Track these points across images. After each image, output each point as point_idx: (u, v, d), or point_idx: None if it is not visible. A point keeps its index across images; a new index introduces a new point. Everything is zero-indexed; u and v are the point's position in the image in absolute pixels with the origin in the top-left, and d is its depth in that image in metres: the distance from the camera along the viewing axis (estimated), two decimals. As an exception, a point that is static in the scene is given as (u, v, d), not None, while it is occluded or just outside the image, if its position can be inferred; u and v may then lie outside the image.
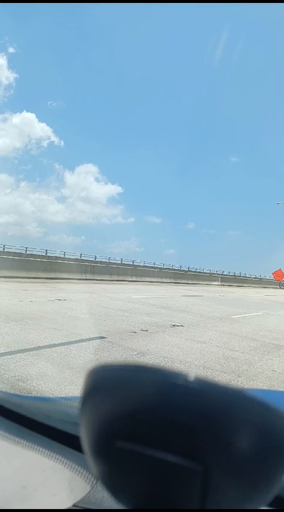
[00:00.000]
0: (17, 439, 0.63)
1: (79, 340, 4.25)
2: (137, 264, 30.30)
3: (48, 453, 0.60)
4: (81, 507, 0.49)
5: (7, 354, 3.42)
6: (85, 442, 0.32)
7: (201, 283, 25.43)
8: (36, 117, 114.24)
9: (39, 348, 3.75)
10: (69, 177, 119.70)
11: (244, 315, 8.63)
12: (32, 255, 21.32)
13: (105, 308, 7.17)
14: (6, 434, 0.64)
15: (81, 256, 27.56)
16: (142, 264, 30.58)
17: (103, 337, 4.50)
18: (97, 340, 4.36)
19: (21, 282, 11.58)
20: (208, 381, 0.29)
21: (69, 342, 4.12)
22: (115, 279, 17.68)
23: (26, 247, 23.90)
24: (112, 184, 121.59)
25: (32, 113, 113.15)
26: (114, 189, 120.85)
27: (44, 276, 13.72)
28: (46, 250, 24.74)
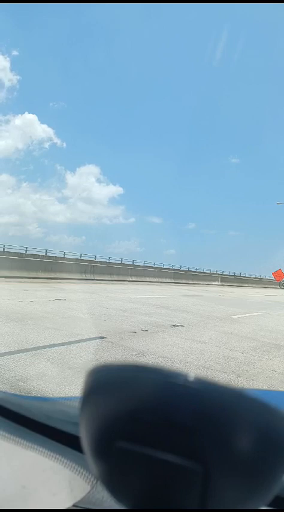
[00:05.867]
0: (17, 439, 0.63)
1: (79, 340, 4.26)
2: (137, 264, 30.29)
3: (48, 453, 0.60)
4: (81, 507, 0.49)
5: (7, 354, 3.42)
6: (85, 442, 0.32)
7: (201, 283, 25.42)
8: (38, 118, 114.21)
9: (39, 347, 3.75)
10: (71, 178, 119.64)
11: (244, 315, 8.63)
12: (32, 255, 21.30)
13: (105, 308, 7.17)
14: (6, 434, 0.64)
15: (81, 256, 27.57)
16: (142, 264, 30.57)
17: (103, 337, 4.50)
18: (98, 340, 4.36)
19: (21, 282, 11.58)
20: (208, 381, 0.29)
21: (69, 342, 4.12)
22: (115, 279, 17.68)
23: (26, 247, 23.89)
24: (114, 185, 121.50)
25: (33, 114, 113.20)
26: (115, 190, 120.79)
27: (44, 276, 13.72)
28: (46, 250, 24.75)
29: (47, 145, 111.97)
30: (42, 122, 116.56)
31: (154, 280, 20.84)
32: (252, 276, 44.60)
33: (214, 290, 19.51)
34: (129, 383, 0.30)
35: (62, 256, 25.69)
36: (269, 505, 0.35)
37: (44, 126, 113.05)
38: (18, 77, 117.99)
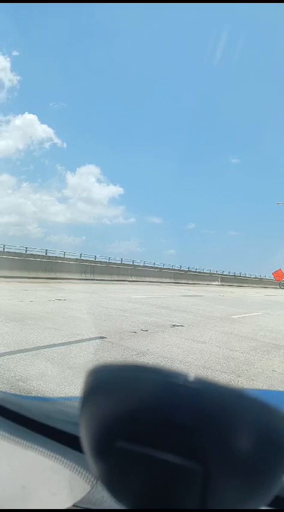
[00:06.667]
0: (17, 439, 0.63)
1: (79, 340, 4.26)
2: (137, 264, 30.28)
3: (48, 453, 0.60)
4: (81, 507, 0.49)
5: (7, 354, 3.42)
6: (85, 442, 0.32)
7: (201, 283, 25.42)
8: (38, 118, 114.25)
9: (39, 347, 3.75)
10: (71, 178, 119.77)
11: (244, 315, 8.63)
12: (32, 255, 21.29)
13: (105, 308, 7.17)
14: (6, 434, 0.64)
15: (81, 256, 27.56)
16: (142, 264, 30.56)
17: (103, 337, 4.50)
18: (98, 340, 4.36)
19: (21, 282, 11.58)
20: (208, 381, 0.29)
21: (69, 342, 4.12)
22: (115, 279, 17.68)
23: (26, 247, 23.88)
24: (114, 185, 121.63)
25: (33, 114, 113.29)
26: (115, 190, 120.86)
27: (44, 276, 13.72)
28: (46, 250, 24.74)
29: (47, 145, 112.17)
30: (42, 122, 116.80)
31: (154, 280, 20.83)
32: (252, 276, 44.61)
33: (214, 290, 19.50)
34: (129, 383, 0.30)
35: (62, 256, 25.68)
36: (269, 505, 0.35)
37: (44, 126, 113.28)
38: (18, 77, 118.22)
